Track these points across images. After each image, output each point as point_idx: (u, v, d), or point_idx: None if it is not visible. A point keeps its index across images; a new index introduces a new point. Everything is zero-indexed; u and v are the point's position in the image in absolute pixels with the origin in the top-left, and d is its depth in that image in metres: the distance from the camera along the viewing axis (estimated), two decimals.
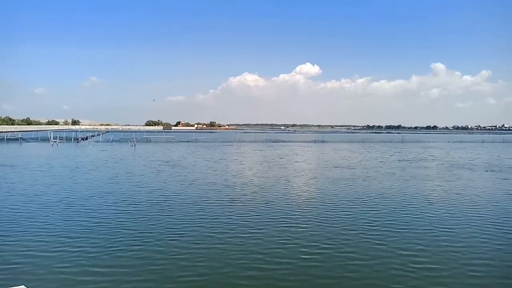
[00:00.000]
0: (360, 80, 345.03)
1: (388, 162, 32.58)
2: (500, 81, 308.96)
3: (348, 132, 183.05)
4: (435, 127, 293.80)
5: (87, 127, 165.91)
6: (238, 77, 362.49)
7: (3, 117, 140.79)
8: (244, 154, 41.12)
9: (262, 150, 48.47)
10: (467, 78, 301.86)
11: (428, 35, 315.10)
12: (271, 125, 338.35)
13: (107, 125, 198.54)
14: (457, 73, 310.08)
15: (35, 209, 13.24)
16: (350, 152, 45.74)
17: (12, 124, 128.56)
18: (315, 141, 73.49)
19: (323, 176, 22.78)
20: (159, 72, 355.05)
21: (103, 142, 62.11)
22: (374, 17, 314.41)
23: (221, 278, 7.63)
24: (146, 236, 10.20)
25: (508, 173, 24.63)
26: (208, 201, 14.85)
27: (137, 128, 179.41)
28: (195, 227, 11.14)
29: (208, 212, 13.09)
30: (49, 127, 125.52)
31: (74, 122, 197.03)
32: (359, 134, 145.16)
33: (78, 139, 62.65)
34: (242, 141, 70.86)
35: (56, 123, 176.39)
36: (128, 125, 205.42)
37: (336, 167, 27.75)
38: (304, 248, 9.32)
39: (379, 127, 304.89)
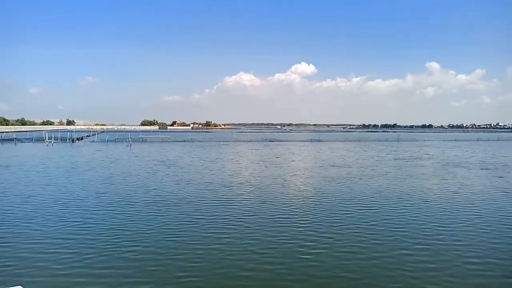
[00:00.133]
0: (355, 79, 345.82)
1: (384, 160, 32.67)
2: (495, 79, 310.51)
3: (344, 131, 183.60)
4: (430, 126, 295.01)
5: (82, 127, 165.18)
6: (233, 77, 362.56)
7: None
8: (240, 154, 41.08)
9: (258, 149, 48.45)
10: (462, 77, 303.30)
11: (423, 35, 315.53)
12: (267, 124, 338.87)
13: (102, 125, 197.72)
14: (451, 72, 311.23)
15: (31, 210, 13.13)
16: (346, 151, 45.83)
17: (7, 125, 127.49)
18: (311, 140, 73.59)
19: (319, 175, 22.79)
20: (155, 72, 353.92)
21: (99, 142, 61.85)
22: (369, 16, 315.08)
23: (218, 279, 7.59)
24: (142, 236, 10.14)
25: (503, 171, 24.77)
26: (205, 201, 14.81)
27: (132, 128, 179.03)
28: (192, 227, 11.09)
29: (205, 212, 13.05)
30: (44, 127, 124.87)
31: (69, 122, 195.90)
32: (355, 133, 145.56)
33: (73, 139, 62.34)
34: (238, 141, 70.78)
35: (51, 123, 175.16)
36: (124, 125, 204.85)
37: (333, 166, 27.78)
38: (301, 248, 9.31)
39: (374, 126, 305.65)
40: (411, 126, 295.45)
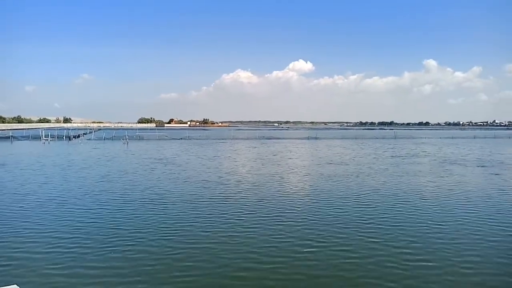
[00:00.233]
0: (352, 77, 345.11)
1: (381, 158, 32.73)
2: (491, 77, 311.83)
3: (341, 129, 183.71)
4: (427, 123, 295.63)
5: (79, 125, 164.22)
6: (231, 74, 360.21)
7: None
8: (238, 151, 41.05)
9: (255, 147, 48.43)
10: (459, 74, 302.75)
11: (420, 32, 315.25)
12: (265, 122, 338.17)
13: (99, 122, 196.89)
14: (449, 69, 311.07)
15: (27, 208, 13.08)
16: (343, 148, 45.88)
17: (3, 122, 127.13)
18: (308, 138, 73.57)
19: (316, 172, 22.81)
20: (152, 70, 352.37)
21: (95, 140, 61.61)
22: (367, 14, 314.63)
23: (215, 278, 7.58)
24: (139, 235, 10.11)
25: (500, 169, 24.86)
26: (202, 199, 14.78)
27: (129, 125, 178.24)
28: (189, 226, 11.07)
29: (202, 210, 13.03)
30: (40, 125, 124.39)
31: (66, 120, 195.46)
32: (352, 130, 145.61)
33: (70, 137, 62.10)
34: (236, 138, 70.75)
35: (48, 121, 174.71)
36: (121, 122, 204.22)
37: (330, 163, 27.80)
38: (298, 247, 9.30)
39: (372, 123, 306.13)
40: (408, 124, 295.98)
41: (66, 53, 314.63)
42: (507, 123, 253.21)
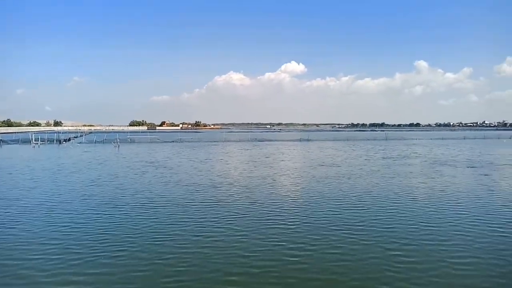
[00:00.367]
0: (344, 78, 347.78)
1: (372, 159, 32.89)
2: (482, 78, 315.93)
3: (333, 131, 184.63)
4: (418, 125, 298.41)
5: (70, 128, 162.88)
6: (223, 76, 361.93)
7: None
8: (230, 154, 40.95)
9: (247, 149, 48.38)
10: (450, 75, 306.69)
11: (412, 34, 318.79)
12: (257, 124, 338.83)
13: (90, 126, 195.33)
14: (439, 70, 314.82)
15: (16, 213, 12.89)
16: (335, 150, 46.03)
17: None
18: (300, 140, 73.76)
19: (308, 175, 22.83)
20: (143, 72, 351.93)
21: (86, 143, 61.07)
22: (358, 16, 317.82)
23: (206, 283, 7.51)
24: (129, 240, 10.00)
25: (489, 169, 25.11)
26: (193, 203, 14.69)
27: (120, 128, 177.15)
28: (180, 230, 10.98)
29: (193, 214, 12.94)
30: (30, 129, 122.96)
31: (57, 123, 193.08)
32: (343, 132, 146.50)
33: (60, 141, 61.44)
34: (228, 141, 70.60)
35: (38, 125, 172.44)
36: (112, 125, 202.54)
37: (322, 165, 27.85)
38: (291, 250, 9.27)
39: (363, 125, 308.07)
40: (399, 125, 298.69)
41: (57, 56, 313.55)
42: (496, 124, 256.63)
